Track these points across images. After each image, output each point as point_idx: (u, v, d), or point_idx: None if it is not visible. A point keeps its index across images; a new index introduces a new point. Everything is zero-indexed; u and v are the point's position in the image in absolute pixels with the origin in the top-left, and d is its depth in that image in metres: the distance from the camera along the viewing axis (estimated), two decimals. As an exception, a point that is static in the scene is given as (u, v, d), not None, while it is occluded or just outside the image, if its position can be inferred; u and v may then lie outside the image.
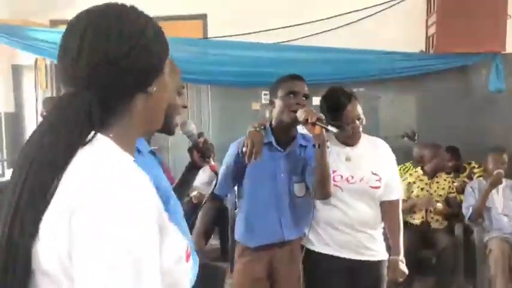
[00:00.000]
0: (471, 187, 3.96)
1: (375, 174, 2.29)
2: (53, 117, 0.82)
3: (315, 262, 2.32)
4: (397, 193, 2.41)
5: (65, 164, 0.77)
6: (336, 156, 2.28)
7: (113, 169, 0.77)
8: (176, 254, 0.84)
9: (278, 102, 2.20)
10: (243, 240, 2.32)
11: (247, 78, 4.81)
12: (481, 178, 4.09)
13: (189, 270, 0.91)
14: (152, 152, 1.49)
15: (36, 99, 5.32)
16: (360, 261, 2.30)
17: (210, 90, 5.18)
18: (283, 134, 2.24)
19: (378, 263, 2.35)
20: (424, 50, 4.91)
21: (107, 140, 0.83)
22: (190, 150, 1.75)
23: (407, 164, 4.41)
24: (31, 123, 5.37)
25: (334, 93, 2.31)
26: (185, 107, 1.59)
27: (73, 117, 0.80)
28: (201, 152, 1.71)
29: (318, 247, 2.31)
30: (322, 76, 4.67)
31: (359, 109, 2.29)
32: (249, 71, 4.78)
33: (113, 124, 0.86)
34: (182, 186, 1.77)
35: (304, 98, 2.18)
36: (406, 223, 4.03)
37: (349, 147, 2.33)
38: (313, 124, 1.98)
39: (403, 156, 4.44)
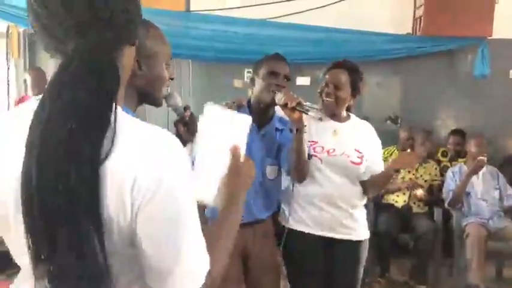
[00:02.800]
0: (452, 172, 3.97)
1: (357, 151, 2.28)
2: (80, 69, 0.77)
3: (292, 240, 2.30)
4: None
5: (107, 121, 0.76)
6: (322, 128, 2.28)
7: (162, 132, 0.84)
8: None
9: (258, 81, 2.19)
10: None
11: (229, 55, 4.69)
12: (462, 163, 4.10)
13: None
14: None
15: (8, 68, 5.11)
16: (338, 239, 2.29)
17: (191, 65, 5.04)
18: (261, 114, 2.21)
19: (357, 243, 2.34)
20: (411, 32, 4.86)
21: (125, 115, 0.85)
22: (176, 123, 1.69)
23: (391, 148, 4.39)
24: (2, 91, 5.16)
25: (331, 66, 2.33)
26: (172, 78, 1.53)
27: (110, 62, 0.81)
28: (187, 126, 1.66)
29: (295, 225, 2.30)
30: (307, 55, 4.60)
31: (341, 80, 2.26)
32: (231, 47, 4.66)
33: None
34: None
35: (285, 80, 2.17)
36: (389, 205, 4.06)
37: (338, 122, 2.32)
38: (293, 109, 1.95)
39: (386, 140, 4.41)
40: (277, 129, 2.24)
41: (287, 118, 2.09)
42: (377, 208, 4.01)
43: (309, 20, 4.72)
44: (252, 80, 2.24)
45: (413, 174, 4.09)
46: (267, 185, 2.22)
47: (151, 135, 0.81)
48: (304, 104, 1.99)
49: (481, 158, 3.69)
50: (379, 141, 2.42)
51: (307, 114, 1.97)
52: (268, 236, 2.29)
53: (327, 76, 2.28)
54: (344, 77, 2.26)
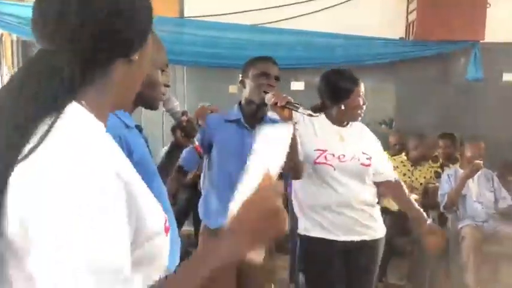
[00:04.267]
0: (448, 175, 3.98)
1: (365, 153, 2.32)
2: (26, 75, 0.76)
3: (311, 248, 2.31)
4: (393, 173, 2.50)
5: (34, 129, 0.72)
6: (329, 135, 2.31)
7: (76, 137, 0.73)
8: (152, 226, 0.80)
9: (249, 82, 2.22)
10: (212, 224, 2.27)
11: (223, 60, 4.70)
12: (458, 166, 4.11)
13: (167, 244, 0.87)
14: (138, 127, 1.44)
15: (1, 76, 5.08)
16: (358, 241, 2.31)
17: (185, 71, 5.05)
18: (252, 114, 2.25)
19: (376, 241, 2.38)
20: (404, 36, 4.88)
21: (78, 106, 0.78)
22: (173, 129, 1.69)
23: (385, 152, 4.39)
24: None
25: (340, 76, 2.32)
26: (168, 85, 1.53)
27: (51, 76, 0.75)
28: (185, 131, 1.66)
29: (314, 232, 2.30)
30: (300, 60, 4.62)
31: (363, 88, 2.33)
32: (226, 53, 4.68)
33: (88, 91, 0.81)
34: (165, 166, 1.70)
35: (275, 80, 2.20)
36: (384, 209, 4.06)
37: (341, 127, 2.35)
38: (283, 107, 1.97)
39: (381, 144, 4.43)
40: None
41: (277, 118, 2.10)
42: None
43: (301, 25, 4.75)
44: (242, 82, 2.27)
45: (408, 177, 4.09)
46: None
47: (46, 160, 0.70)
48: (294, 102, 2.01)
49: (477, 162, 3.70)
50: (377, 140, 2.49)
51: (297, 111, 1.98)
52: None
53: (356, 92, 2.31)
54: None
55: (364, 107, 2.32)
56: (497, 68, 4.83)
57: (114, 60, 0.83)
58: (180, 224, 4.03)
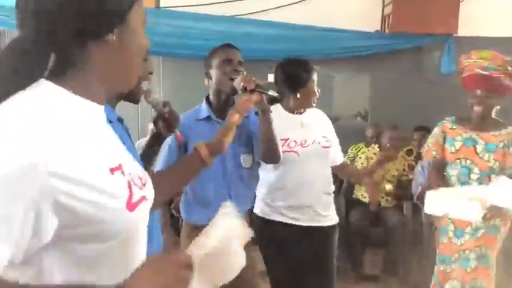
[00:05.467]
0: (422, 166, 4.03)
1: (325, 136, 2.43)
2: (1, 59, 0.80)
3: (269, 231, 2.37)
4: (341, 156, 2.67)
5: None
6: (289, 123, 2.36)
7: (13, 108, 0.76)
8: (109, 204, 0.82)
9: (214, 72, 2.20)
10: (193, 220, 2.25)
11: (200, 52, 4.63)
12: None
13: (135, 219, 0.88)
14: (120, 120, 1.43)
15: None
16: (315, 227, 2.38)
17: (161, 62, 4.99)
18: (223, 104, 2.21)
19: (331, 228, 2.45)
20: (379, 29, 4.93)
21: (50, 85, 0.81)
22: (155, 120, 1.68)
23: (360, 144, 4.44)
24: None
25: (294, 64, 2.38)
26: (151, 73, 1.51)
27: (16, 58, 0.79)
28: (167, 123, 1.65)
29: (273, 216, 2.36)
30: (276, 52, 4.60)
31: (316, 77, 2.41)
32: (202, 43, 4.62)
33: (71, 72, 0.84)
34: (146, 157, 1.69)
35: (239, 66, 2.19)
36: (358, 201, 4.12)
37: (299, 115, 2.43)
38: (252, 91, 1.97)
39: (355, 136, 4.48)
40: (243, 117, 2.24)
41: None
42: (347, 203, 4.06)
43: (278, 17, 4.74)
44: (207, 74, 2.25)
45: (383, 170, 4.15)
46: (244, 174, 2.24)
47: None
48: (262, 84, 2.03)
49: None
50: (330, 123, 2.58)
51: (267, 94, 1.99)
52: None
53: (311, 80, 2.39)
54: None
55: (318, 94, 2.41)
56: (470, 62, 4.91)
57: (86, 42, 0.83)
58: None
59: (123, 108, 1.59)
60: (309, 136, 2.38)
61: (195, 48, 4.67)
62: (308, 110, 2.46)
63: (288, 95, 2.39)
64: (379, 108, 4.96)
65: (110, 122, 1.30)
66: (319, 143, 2.40)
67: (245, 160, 2.25)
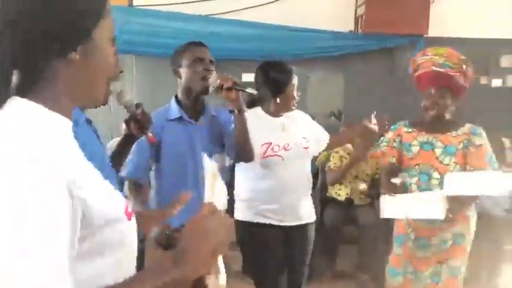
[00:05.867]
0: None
1: (304, 138, 2.44)
2: None
3: (252, 234, 2.34)
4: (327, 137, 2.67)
5: None
6: (271, 127, 2.37)
7: (14, 128, 0.74)
8: (107, 214, 0.82)
9: (185, 71, 2.12)
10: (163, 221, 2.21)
11: (173, 50, 4.62)
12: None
13: (131, 229, 0.89)
14: (88, 121, 1.40)
15: None
16: (298, 225, 2.41)
17: (134, 61, 4.94)
18: (193, 104, 2.17)
19: (310, 225, 2.49)
20: (353, 30, 4.98)
21: (24, 102, 0.79)
22: (127, 121, 1.65)
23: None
24: None
25: (275, 69, 2.37)
26: (121, 71, 1.48)
27: None
28: (139, 124, 1.63)
29: (257, 218, 2.36)
30: (250, 52, 4.61)
31: (296, 81, 2.42)
32: (175, 42, 4.57)
33: (39, 91, 0.82)
34: (117, 157, 1.66)
35: (211, 64, 2.13)
36: (332, 199, 4.15)
37: (280, 118, 2.42)
38: (229, 89, 1.92)
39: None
40: (213, 116, 2.22)
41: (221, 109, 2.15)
42: (322, 202, 4.09)
43: (252, 16, 4.74)
44: (176, 72, 2.17)
45: (355, 168, 4.18)
46: None
47: None
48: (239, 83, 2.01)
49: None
50: (307, 115, 2.59)
51: (244, 91, 1.99)
52: None
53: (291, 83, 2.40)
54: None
55: (297, 99, 2.41)
56: (440, 62, 5.01)
57: (50, 59, 0.81)
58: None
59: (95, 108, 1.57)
60: (290, 139, 2.39)
61: (168, 47, 4.62)
62: (288, 113, 2.46)
63: (268, 98, 2.37)
64: (353, 108, 5.01)
65: (76, 124, 1.28)
66: (300, 144, 2.41)
67: (217, 160, 2.22)
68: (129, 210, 0.89)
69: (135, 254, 0.94)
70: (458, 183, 2.19)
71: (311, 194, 2.58)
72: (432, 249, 2.39)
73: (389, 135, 2.59)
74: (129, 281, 0.81)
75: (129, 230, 0.89)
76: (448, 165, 2.39)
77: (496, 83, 5.25)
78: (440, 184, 2.37)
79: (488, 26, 5.02)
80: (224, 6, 4.77)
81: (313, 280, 3.73)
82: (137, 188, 2.19)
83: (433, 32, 4.70)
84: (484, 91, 5.20)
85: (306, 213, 2.46)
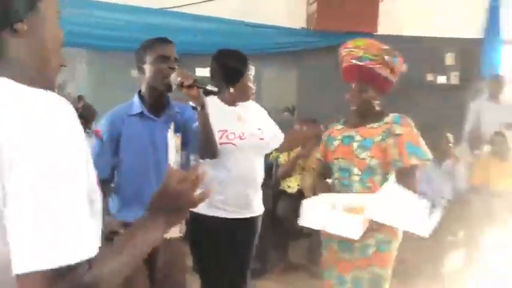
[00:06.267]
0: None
1: (260, 129, 2.43)
2: None
3: (204, 226, 2.34)
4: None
5: None
6: (227, 115, 2.34)
7: (36, 104, 0.78)
8: (92, 183, 0.88)
9: (148, 68, 2.07)
10: (121, 216, 2.18)
11: (126, 44, 4.54)
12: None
13: (101, 199, 0.95)
14: None
15: None
16: (249, 218, 2.39)
17: (86, 54, 4.83)
18: (156, 101, 2.13)
19: (258, 217, 2.49)
20: (305, 26, 5.06)
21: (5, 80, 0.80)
22: None
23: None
24: None
25: (231, 57, 2.37)
26: (64, 65, 1.45)
27: None
28: (82, 117, 1.58)
29: (209, 210, 2.31)
30: (204, 46, 4.60)
31: (253, 71, 2.43)
32: (129, 36, 4.53)
33: (5, 65, 0.84)
34: None
35: (175, 62, 2.09)
36: (283, 192, 4.22)
37: (236, 107, 2.40)
38: (190, 87, 1.94)
39: (283, 131, 4.57)
40: (176, 112, 2.18)
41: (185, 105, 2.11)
42: (274, 195, 4.15)
43: (205, 10, 4.74)
44: (140, 68, 2.12)
45: (303, 161, 4.25)
46: None
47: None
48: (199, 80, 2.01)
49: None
50: (264, 111, 2.59)
51: (205, 88, 1.97)
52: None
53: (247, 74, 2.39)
54: None
55: (254, 89, 2.42)
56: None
57: None
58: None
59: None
60: (246, 129, 2.36)
61: (122, 41, 4.56)
62: (245, 103, 2.44)
63: (224, 88, 2.35)
64: (306, 103, 5.10)
65: None
66: (256, 135, 2.40)
67: (179, 157, 2.14)
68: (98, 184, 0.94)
69: (101, 226, 0.97)
70: (382, 209, 1.99)
71: (263, 188, 2.58)
72: (355, 253, 2.18)
73: (324, 133, 2.48)
74: (117, 241, 0.93)
75: (100, 200, 0.93)
76: (363, 159, 2.18)
77: (441, 79, 5.49)
78: (361, 181, 2.20)
79: (435, 25, 5.24)
80: (178, 0, 4.74)
81: (266, 272, 3.79)
82: (104, 184, 2.16)
83: (382, 30, 4.85)
84: (429, 88, 5.43)
85: (256, 205, 2.46)
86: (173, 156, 1.10)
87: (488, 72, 5.29)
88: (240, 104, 2.43)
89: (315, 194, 2.33)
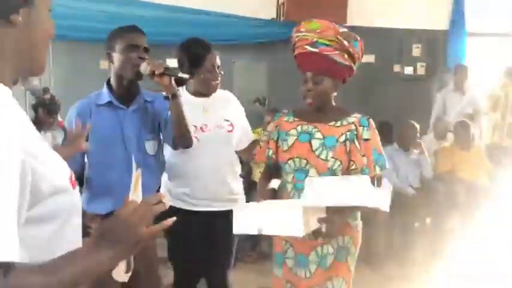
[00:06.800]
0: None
1: (227, 120, 2.36)
2: None
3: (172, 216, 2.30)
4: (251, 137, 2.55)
5: None
6: (192, 108, 2.24)
7: None
8: (57, 180, 0.85)
9: (117, 57, 2.05)
10: (91, 208, 2.16)
11: (94, 34, 4.47)
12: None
13: (76, 198, 0.94)
14: None
15: None
16: (218, 211, 2.31)
17: (51, 45, 4.71)
18: (125, 90, 2.11)
19: (228, 212, 2.43)
20: (275, 17, 5.08)
21: None
22: (35, 107, 1.59)
23: (258, 130, 4.57)
24: None
25: (194, 43, 2.31)
26: None
27: None
28: (47, 109, 1.57)
29: (175, 203, 2.29)
30: (175, 37, 4.56)
31: (218, 60, 2.32)
32: (97, 26, 4.45)
33: None
34: None
35: (145, 52, 2.06)
36: (256, 183, 4.25)
37: (203, 98, 2.35)
38: (161, 75, 1.93)
39: (255, 121, 4.60)
40: (146, 101, 2.16)
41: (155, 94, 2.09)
42: (247, 186, 4.17)
43: (177, 1, 4.70)
44: (109, 56, 2.08)
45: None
46: (148, 161, 2.11)
47: None
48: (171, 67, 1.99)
49: None
50: (243, 109, 2.51)
51: (176, 76, 1.96)
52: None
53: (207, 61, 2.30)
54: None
55: (219, 78, 2.33)
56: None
57: None
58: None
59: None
60: (210, 120, 2.31)
61: (90, 31, 4.49)
62: (216, 94, 2.37)
63: (191, 77, 2.24)
64: (277, 94, 5.14)
65: None
66: (222, 127, 2.33)
67: (150, 147, 2.15)
68: (73, 179, 0.93)
69: (80, 223, 0.96)
70: (320, 190, 1.75)
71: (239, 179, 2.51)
72: (312, 267, 1.94)
73: (270, 125, 2.13)
74: (53, 261, 0.84)
75: (74, 199, 0.92)
76: (326, 160, 1.89)
77: (408, 70, 5.61)
78: None
79: (403, 17, 5.34)
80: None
81: (238, 261, 3.82)
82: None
83: (351, 21, 4.91)
84: (396, 79, 5.55)
85: (225, 198, 2.36)
86: (139, 196, 1.05)
87: (453, 63, 5.43)
88: (213, 95, 2.37)
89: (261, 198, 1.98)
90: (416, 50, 5.57)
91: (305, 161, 1.92)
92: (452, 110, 5.14)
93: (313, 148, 1.92)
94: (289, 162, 1.95)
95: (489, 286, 3.50)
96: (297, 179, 1.94)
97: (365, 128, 1.94)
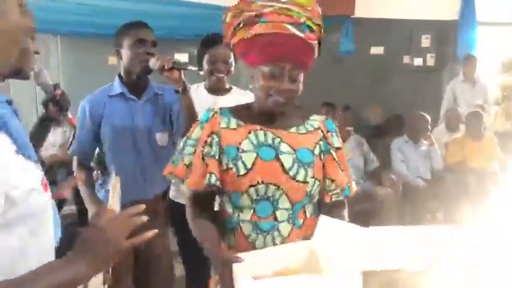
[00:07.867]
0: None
1: None
2: None
3: (180, 214, 2.31)
4: None
5: None
6: (203, 105, 2.16)
7: None
8: (27, 185, 0.85)
9: (125, 53, 2.07)
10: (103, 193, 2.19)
11: (102, 30, 4.47)
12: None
13: (47, 199, 0.92)
14: (8, 102, 1.36)
15: None
16: None
17: (59, 41, 4.73)
18: (135, 83, 2.13)
19: None
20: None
21: None
22: (45, 103, 1.61)
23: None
24: None
25: (206, 37, 2.33)
26: (37, 52, 1.44)
27: None
28: (58, 105, 1.58)
29: (179, 198, 2.30)
30: (174, 30, 4.56)
31: (228, 55, 2.28)
32: (104, 22, 4.45)
33: None
34: (36, 138, 1.62)
35: (152, 47, 2.07)
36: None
37: (217, 96, 2.34)
38: (170, 69, 1.93)
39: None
40: (157, 94, 2.18)
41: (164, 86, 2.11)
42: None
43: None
44: (118, 52, 2.11)
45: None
46: (159, 153, 2.13)
47: None
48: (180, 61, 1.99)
49: (348, 128, 4.02)
50: None
51: (186, 69, 1.96)
52: (158, 214, 2.20)
53: (209, 54, 2.28)
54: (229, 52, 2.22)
55: (224, 72, 2.29)
56: (365, 42, 5.21)
57: None
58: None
59: (20, 88, 1.52)
60: None
61: (97, 27, 4.49)
62: (233, 93, 2.36)
63: (200, 69, 2.31)
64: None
65: None
66: None
67: (161, 138, 2.16)
68: (45, 181, 0.91)
69: (51, 226, 0.95)
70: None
71: None
72: None
73: (197, 132, 1.45)
74: (29, 274, 0.82)
75: (45, 201, 0.91)
76: (304, 183, 1.36)
77: (418, 62, 5.56)
78: (291, 218, 1.36)
79: (412, 7, 5.28)
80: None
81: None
82: (81, 168, 2.17)
83: (359, 13, 4.87)
84: (406, 70, 5.50)
85: None
86: (118, 204, 1.05)
87: (463, 53, 5.37)
88: (231, 93, 2.36)
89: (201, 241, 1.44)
90: (425, 41, 5.51)
91: (274, 187, 1.35)
92: (462, 100, 5.09)
93: (286, 167, 1.36)
94: (249, 191, 1.35)
95: (500, 273, 3.47)
96: (261, 215, 1.36)
97: (333, 133, 1.47)
